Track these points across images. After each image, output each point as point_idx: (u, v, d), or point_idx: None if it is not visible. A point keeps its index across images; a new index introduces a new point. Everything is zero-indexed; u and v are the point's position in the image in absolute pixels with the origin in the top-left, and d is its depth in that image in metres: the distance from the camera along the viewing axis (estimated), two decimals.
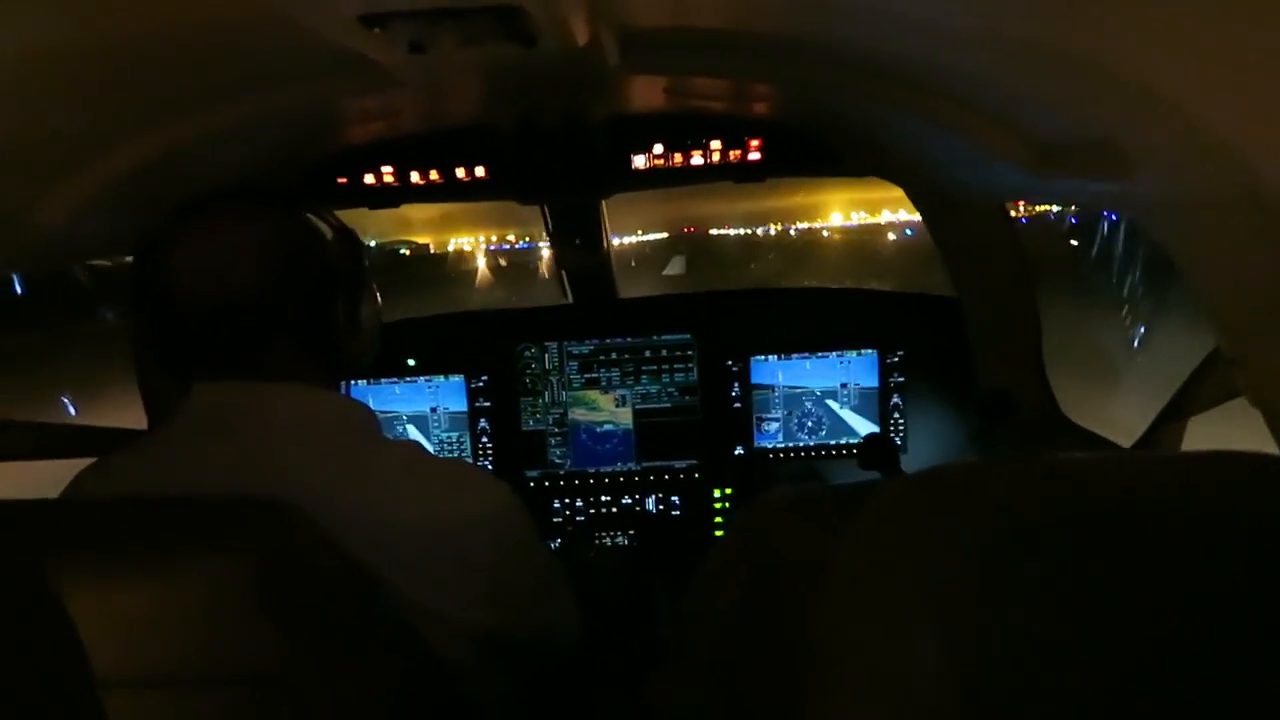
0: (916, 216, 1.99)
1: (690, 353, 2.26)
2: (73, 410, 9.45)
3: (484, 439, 2.30)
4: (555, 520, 2.32)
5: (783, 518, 0.81)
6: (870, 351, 2.23)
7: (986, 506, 0.51)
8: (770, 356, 2.25)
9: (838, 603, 0.55)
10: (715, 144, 1.84)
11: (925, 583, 0.49)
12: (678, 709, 0.88)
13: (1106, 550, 0.47)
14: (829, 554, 0.57)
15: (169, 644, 0.76)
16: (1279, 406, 0.91)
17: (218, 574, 0.75)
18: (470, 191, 1.89)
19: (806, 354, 2.24)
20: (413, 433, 2.30)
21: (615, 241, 2.46)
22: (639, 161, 1.86)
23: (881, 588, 0.51)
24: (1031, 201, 1.50)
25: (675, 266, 26.45)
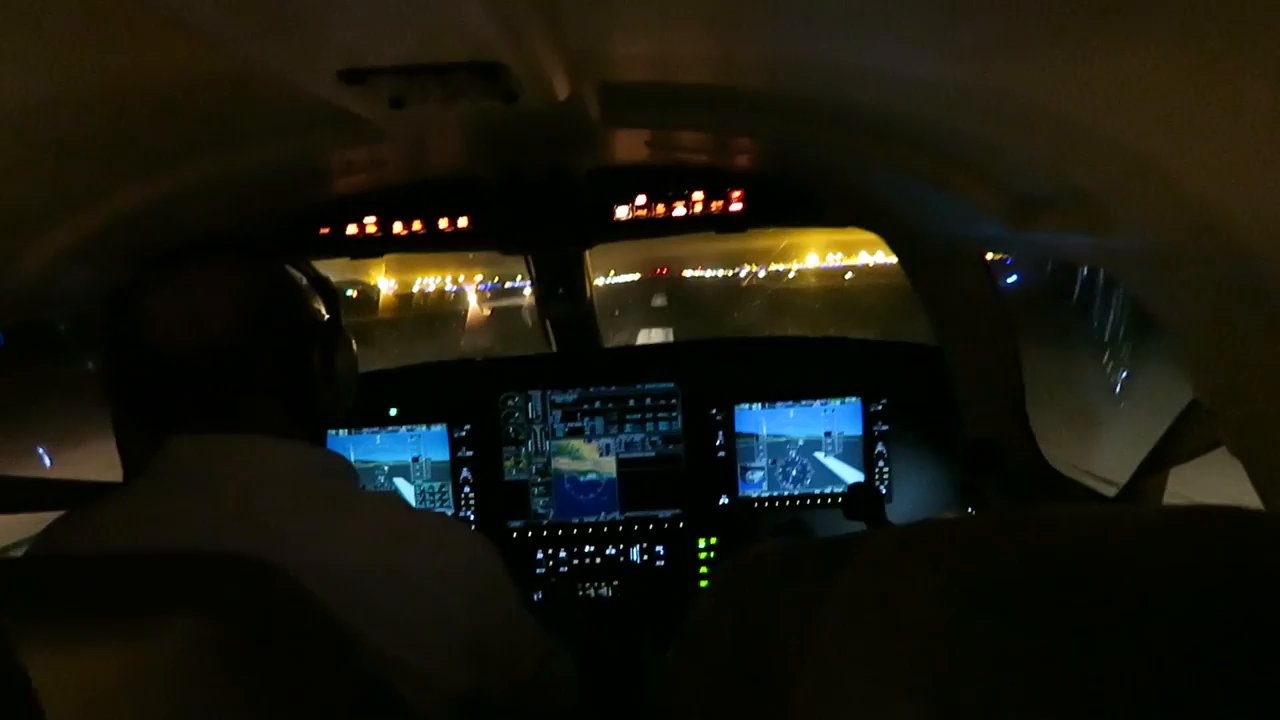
0: (893, 259, 2.01)
1: (674, 401, 2.25)
2: (48, 462, 9.34)
3: (466, 489, 2.28)
4: (539, 571, 2.29)
5: (763, 576, 0.80)
6: (854, 400, 2.23)
7: (971, 564, 0.51)
8: (754, 405, 2.25)
9: (821, 662, 0.54)
10: (697, 195, 1.85)
11: (910, 644, 0.48)
12: None
13: (1095, 609, 0.47)
14: (812, 611, 0.56)
15: (139, 708, 0.73)
16: (1260, 457, 0.92)
17: (192, 635, 0.73)
18: (453, 242, 1.89)
19: (790, 402, 2.24)
20: (398, 483, 2.27)
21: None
22: (622, 212, 1.87)
23: (865, 649, 0.50)
24: (1010, 253, 1.52)
25: (659, 300, 29.03)
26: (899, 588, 0.51)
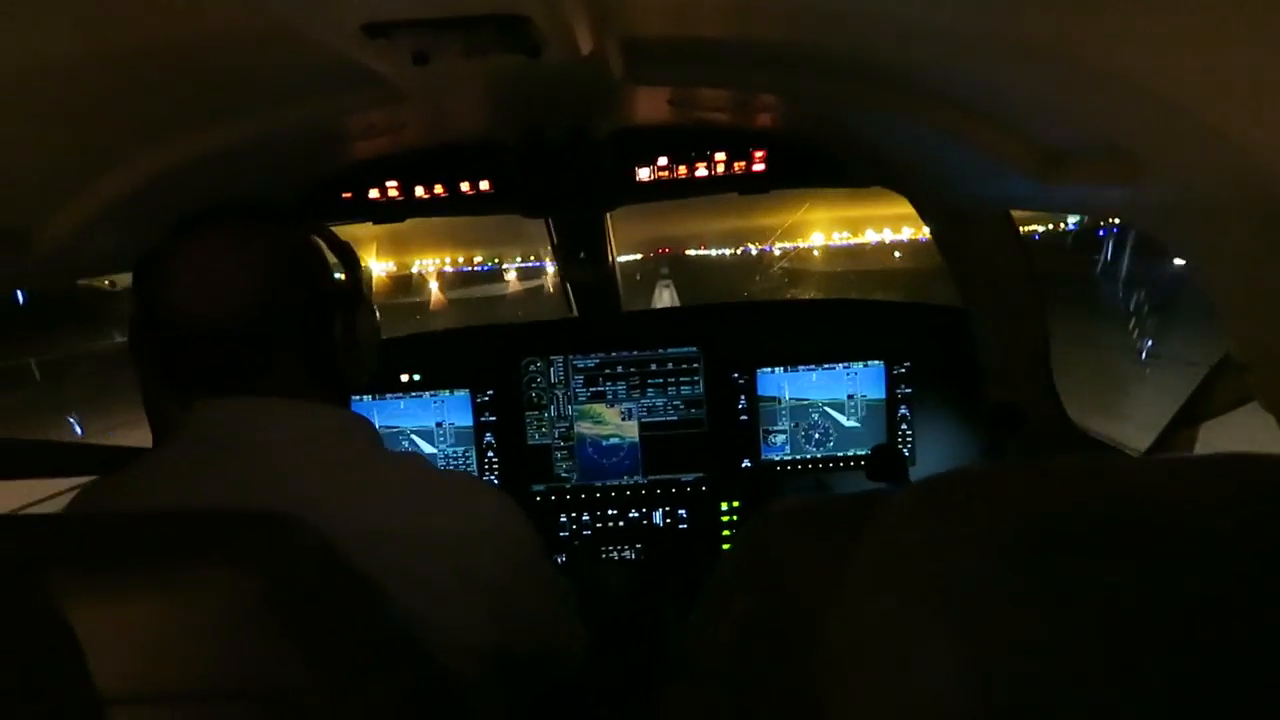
0: (901, 236, 1.98)
1: (696, 365, 2.25)
2: (79, 430, 9.50)
3: (490, 453, 2.29)
4: (562, 535, 2.31)
5: (789, 529, 0.80)
6: (877, 363, 2.22)
7: (1001, 512, 0.50)
8: (776, 369, 2.25)
9: (849, 616, 0.54)
10: (720, 155, 1.84)
11: (940, 592, 0.47)
12: None
13: (1125, 555, 0.46)
14: (838, 565, 0.56)
15: (174, 660, 0.75)
16: None
17: (224, 588, 0.74)
18: (475, 205, 1.89)
19: (813, 366, 2.23)
20: (422, 447, 2.30)
21: None
22: (644, 174, 1.86)
23: (894, 599, 0.50)
24: (1040, 210, 1.50)
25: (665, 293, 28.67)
26: (924, 539, 0.51)
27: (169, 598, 0.74)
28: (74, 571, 0.75)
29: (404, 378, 2.27)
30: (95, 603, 0.73)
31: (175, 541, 0.79)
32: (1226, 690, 0.43)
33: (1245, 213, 0.82)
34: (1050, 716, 0.43)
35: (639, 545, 2.32)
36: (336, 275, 1.14)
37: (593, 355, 2.26)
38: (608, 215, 2.18)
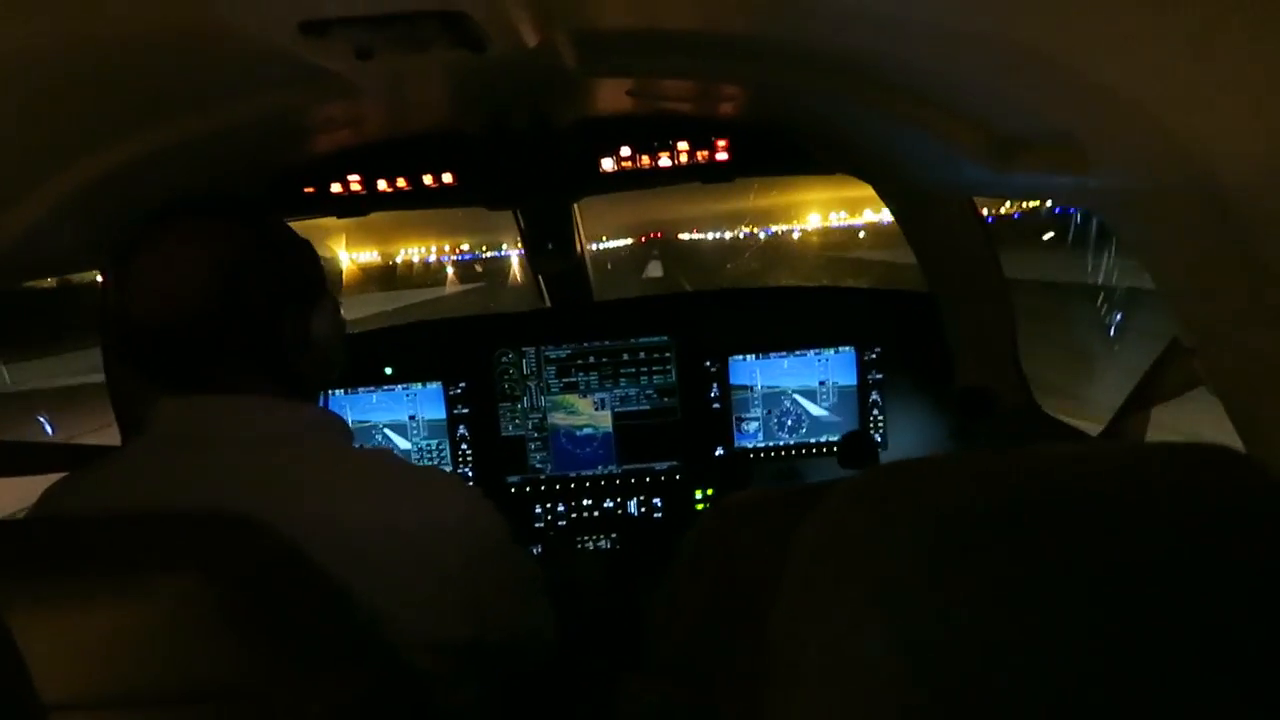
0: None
1: (668, 354, 2.26)
2: (50, 430, 9.43)
3: (463, 446, 2.29)
4: (537, 526, 2.31)
5: (742, 519, 0.81)
6: (848, 349, 2.23)
7: (935, 499, 0.51)
8: (748, 356, 2.25)
9: (791, 602, 0.54)
10: (682, 145, 1.83)
11: (875, 579, 0.48)
12: (647, 710, 0.88)
13: (1057, 542, 0.47)
14: (782, 556, 0.56)
15: (131, 663, 0.75)
16: (1238, 396, 0.92)
17: (180, 590, 0.74)
18: (439, 198, 1.88)
19: (784, 353, 2.24)
20: (396, 440, 2.29)
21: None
22: (607, 164, 1.85)
23: (832, 585, 0.51)
24: (996, 197, 1.51)
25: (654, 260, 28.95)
26: (860, 525, 0.52)
27: (123, 602, 0.74)
28: (24, 577, 0.75)
29: (377, 371, 2.26)
30: (38, 610, 0.73)
31: (128, 545, 0.79)
32: (1159, 671, 0.43)
33: (1192, 204, 0.82)
34: (984, 696, 0.43)
35: (614, 535, 2.33)
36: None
37: (565, 345, 2.26)
38: (575, 205, 2.17)
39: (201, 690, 0.76)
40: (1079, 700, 0.43)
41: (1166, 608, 0.45)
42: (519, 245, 2.24)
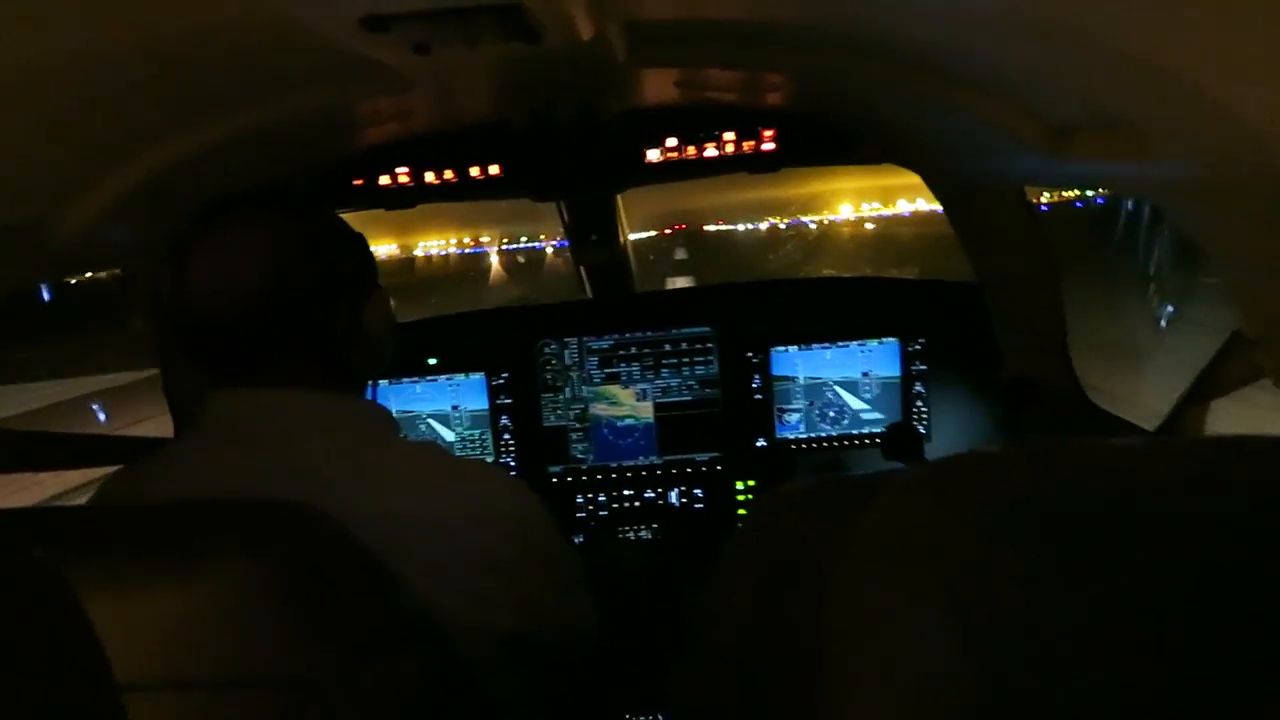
0: (936, 206, 1.97)
1: (710, 345, 2.25)
2: (103, 417, 9.65)
3: (505, 436, 2.31)
4: (579, 515, 2.33)
5: (796, 510, 0.80)
6: (891, 340, 2.21)
7: (998, 493, 0.51)
8: (790, 347, 2.24)
9: (849, 596, 0.54)
10: (729, 135, 1.83)
11: (937, 573, 0.48)
12: (696, 703, 0.88)
13: (1126, 538, 0.47)
14: (842, 544, 0.56)
15: (193, 648, 0.76)
16: None
17: (242, 577, 0.76)
18: (485, 190, 1.89)
19: (827, 344, 2.23)
20: (439, 430, 2.32)
21: None
22: (653, 155, 1.85)
23: (893, 580, 0.51)
24: (1050, 186, 1.48)
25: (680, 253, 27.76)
26: (923, 518, 0.52)
27: (187, 587, 0.76)
28: (90, 562, 0.77)
29: (421, 361, 2.29)
30: (111, 592, 0.75)
31: (192, 532, 0.81)
32: (1218, 671, 0.43)
33: (1253, 190, 0.81)
34: (1043, 695, 0.43)
35: (655, 525, 2.33)
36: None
37: (607, 336, 2.26)
38: (618, 196, 2.17)
39: (257, 675, 0.78)
40: (1147, 702, 0.42)
41: (1243, 609, 0.44)
42: (543, 238, 2.25)
